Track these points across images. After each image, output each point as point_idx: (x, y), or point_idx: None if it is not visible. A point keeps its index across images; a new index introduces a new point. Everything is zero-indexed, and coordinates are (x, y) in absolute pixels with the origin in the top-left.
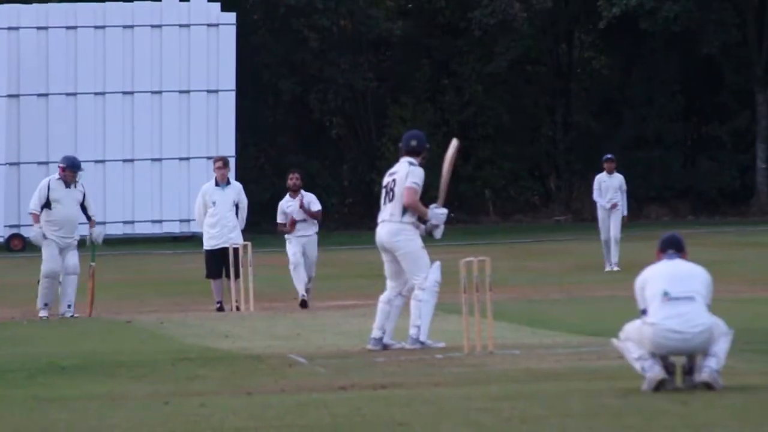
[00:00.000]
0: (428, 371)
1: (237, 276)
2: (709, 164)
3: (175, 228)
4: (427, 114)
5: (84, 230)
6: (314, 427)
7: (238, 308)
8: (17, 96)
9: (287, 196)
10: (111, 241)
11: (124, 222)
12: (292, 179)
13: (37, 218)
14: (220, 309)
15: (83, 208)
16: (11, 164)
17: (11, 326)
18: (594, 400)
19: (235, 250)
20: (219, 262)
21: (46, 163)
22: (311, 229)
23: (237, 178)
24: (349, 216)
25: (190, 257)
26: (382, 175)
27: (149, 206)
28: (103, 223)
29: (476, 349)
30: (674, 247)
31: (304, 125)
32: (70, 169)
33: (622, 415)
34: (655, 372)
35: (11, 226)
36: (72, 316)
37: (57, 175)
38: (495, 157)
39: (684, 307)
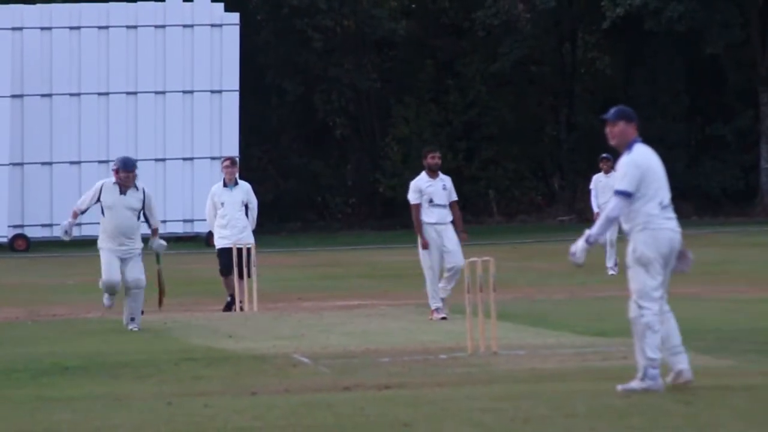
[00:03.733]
0: (432, 371)
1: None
2: (713, 164)
3: (178, 228)
4: (431, 114)
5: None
6: (318, 427)
7: (242, 308)
8: (21, 96)
9: (424, 175)
10: None
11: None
12: (434, 158)
13: (74, 215)
14: (231, 303)
15: (145, 216)
16: (15, 164)
17: (15, 326)
18: (598, 401)
19: (247, 249)
20: (232, 258)
21: (50, 163)
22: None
23: (240, 179)
24: (353, 216)
25: (194, 257)
26: (386, 175)
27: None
28: None
29: (480, 350)
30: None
31: (308, 125)
32: (122, 169)
33: (626, 415)
34: (659, 385)
35: (15, 227)
36: (134, 329)
37: (113, 178)
38: (499, 157)
39: (671, 212)
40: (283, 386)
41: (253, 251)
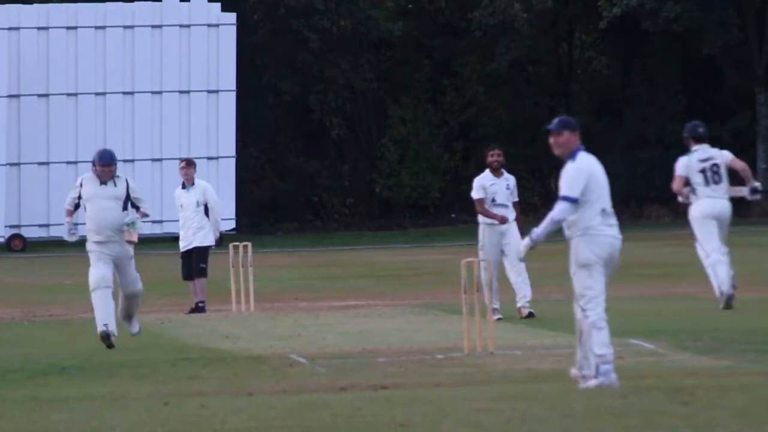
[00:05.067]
0: (429, 372)
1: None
2: None
3: (175, 228)
4: (428, 115)
5: None
6: (315, 427)
7: (200, 308)
8: (18, 96)
9: (488, 173)
10: None
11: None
12: (493, 155)
13: (69, 213)
14: (201, 309)
15: (134, 205)
16: (12, 164)
17: (12, 327)
18: (595, 401)
19: (196, 250)
20: (190, 264)
21: (47, 163)
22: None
23: (237, 179)
24: (350, 216)
25: None
26: (382, 175)
27: (150, 206)
28: None
29: (477, 350)
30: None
31: (305, 126)
32: (100, 164)
33: (622, 415)
34: (612, 379)
35: (12, 227)
36: (135, 333)
37: (91, 172)
38: None
39: (613, 219)
40: (280, 386)
41: (249, 251)
